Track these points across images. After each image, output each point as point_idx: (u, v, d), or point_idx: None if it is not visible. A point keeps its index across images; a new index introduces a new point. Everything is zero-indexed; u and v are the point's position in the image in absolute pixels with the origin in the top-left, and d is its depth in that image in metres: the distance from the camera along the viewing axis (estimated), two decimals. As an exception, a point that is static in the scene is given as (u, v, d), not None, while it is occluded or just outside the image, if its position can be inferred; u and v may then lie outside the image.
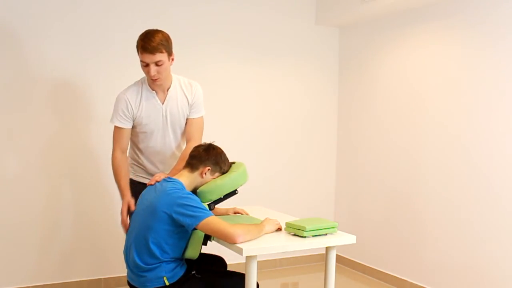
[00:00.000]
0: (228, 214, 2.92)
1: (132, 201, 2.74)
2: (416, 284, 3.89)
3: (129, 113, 2.77)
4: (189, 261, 2.54)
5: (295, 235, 2.50)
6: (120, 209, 2.76)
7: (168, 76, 2.79)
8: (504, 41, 3.24)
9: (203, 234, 2.41)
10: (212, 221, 2.28)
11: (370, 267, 4.36)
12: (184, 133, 2.93)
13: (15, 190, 3.58)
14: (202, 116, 2.95)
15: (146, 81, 2.81)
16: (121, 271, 3.83)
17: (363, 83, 4.45)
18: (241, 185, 2.63)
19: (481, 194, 3.40)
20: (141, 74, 2.81)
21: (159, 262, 2.36)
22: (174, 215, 2.29)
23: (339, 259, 4.60)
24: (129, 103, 2.76)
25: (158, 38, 2.62)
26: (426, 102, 3.80)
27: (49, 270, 3.69)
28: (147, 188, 2.53)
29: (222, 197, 2.61)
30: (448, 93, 3.63)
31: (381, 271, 4.24)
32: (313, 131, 4.68)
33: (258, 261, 2.35)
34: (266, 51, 4.41)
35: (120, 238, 3.67)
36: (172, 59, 2.74)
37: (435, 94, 3.73)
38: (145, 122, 2.80)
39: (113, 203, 3.85)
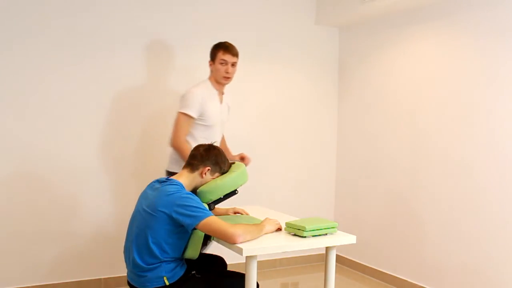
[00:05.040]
0: (228, 214, 2.92)
1: None
2: (416, 284, 3.89)
3: (200, 106, 3.23)
4: (189, 261, 2.54)
5: (295, 235, 2.50)
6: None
7: None
8: (505, 40, 3.24)
9: (203, 234, 2.41)
10: (212, 221, 2.28)
11: (370, 267, 4.36)
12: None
13: (15, 190, 3.58)
14: None
15: (210, 82, 3.35)
16: (121, 271, 3.83)
17: (363, 83, 4.45)
18: (241, 185, 2.63)
19: (481, 194, 3.40)
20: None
21: (159, 262, 2.36)
22: (174, 215, 2.29)
23: (339, 259, 4.60)
24: (203, 97, 3.25)
25: (236, 47, 3.35)
26: (426, 102, 3.80)
27: (49, 270, 3.69)
28: (147, 188, 2.54)
29: (222, 197, 2.62)
30: (448, 92, 3.63)
31: (381, 271, 4.24)
32: (313, 130, 4.68)
33: (258, 261, 2.35)
34: (266, 51, 4.41)
35: (120, 238, 3.67)
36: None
37: (435, 94, 3.72)
38: (208, 115, 3.27)
39: (114, 203, 3.85)
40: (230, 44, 3.33)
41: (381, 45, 4.23)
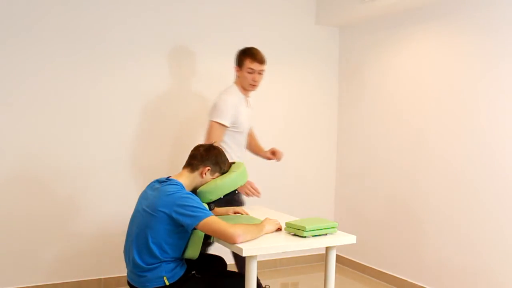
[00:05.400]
0: (228, 214, 2.92)
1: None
2: (416, 284, 3.89)
3: (233, 114, 3.22)
4: (189, 261, 2.54)
5: (295, 235, 2.50)
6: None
7: None
8: (505, 40, 3.24)
9: (203, 234, 2.41)
10: (212, 221, 2.28)
11: (370, 267, 4.36)
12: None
13: (15, 190, 3.58)
14: None
15: (237, 87, 3.34)
16: (121, 271, 3.82)
17: (363, 83, 4.45)
18: (241, 185, 2.63)
19: (481, 194, 3.40)
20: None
21: (159, 262, 2.36)
22: (174, 215, 2.29)
23: (339, 259, 4.60)
24: (235, 105, 3.25)
25: (263, 54, 3.30)
26: (426, 102, 3.80)
27: (49, 269, 3.69)
28: (147, 188, 2.54)
29: (222, 197, 2.62)
30: (448, 92, 3.63)
31: (381, 271, 4.24)
32: (313, 131, 4.68)
33: (258, 261, 2.35)
34: (266, 51, 4.37)
35: (120, 238, 3.66)
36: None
37: (435, 94, 3.72)
38: (241, 121, 3.28)
39: (113, 203, 3.85)
40: (257, 52, 3.29)
41: (381, 45, 4.23)
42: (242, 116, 3.29)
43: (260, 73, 3.29)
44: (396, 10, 3.99)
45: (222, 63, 4.21)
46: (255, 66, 3.25)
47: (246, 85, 3.31)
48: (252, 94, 3.35)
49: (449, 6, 3.61)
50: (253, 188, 3.17)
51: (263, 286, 3.53)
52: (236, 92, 3.32)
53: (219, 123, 3.17)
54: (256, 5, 4.32)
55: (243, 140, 3.38)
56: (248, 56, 3.27)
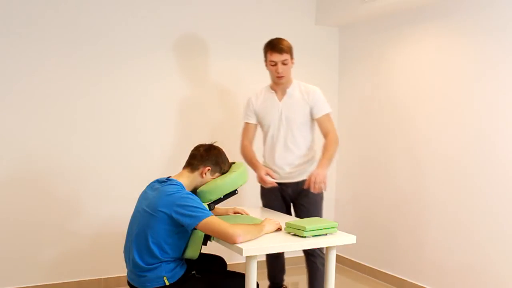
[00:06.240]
0: (228, 214, 2.92)
1: (266, 169, 3.19)
2: (416, 284, 3.89)
3: (252, 109, 3.31)
4: (189, 261, 2.54)
5: (295, 235, 2.50)
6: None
7: (289, 77, 3.27)
8: (505, 40, 3.24)
9: (203, 234, 2.41)
10: (212, 221, 2.28)
11: (370, 267, 4.36)
12: (303, 133, 3.29)
13: (15, 190, 3.58)
14: (328, 113, 3.29)
15: (270, 84, 3.32)
16: (121, 271, 3.82)
17: (363, 82, 4.45)
18: (241, 185, 2.63)
19: (481, 194, 3.40)
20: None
21: (159, 262, 2.36)
22: (174, 215, 2.29)
23: (339, 259, 4.60)
24: (252, 101, 3.33)
25: (285, 42, 3.19)
26: (426, 102, 3.80)
27: (49, 269, 3.69)
28: (147, 188, 2.54)
29: (222, 197, 2.62)
30: (448, 92, 3.63)
31: (381, 271, 4.24)
32: (313, 131, 4.67)
33: (258, 261, 2.35)
34: (266, 51, 4.40)
35: (120, 238, 3.67)
36: (293, 63, 3.23)
37: (435, 93, 3.72)
38: (262, 116, 3.28)
39: (113, 203, 3.85)
40: (277, 42, 3.18)
41: (381, 45, 4.23)
42: (262, 108, 3.27)
43: (284, 63, 3.16)
44: (396, 10, 3.99)
45: (222, 63, 4.21)
46: (275, 57, 3.14)
47: (274, 78, 3.25)
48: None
49: (449, 6, 3.61)
50: (324, 183, 3.05)
51: (283, 286, 3.58)
52: (264, 88, 3.35)
53: (244, 122, 3.36)
54: (256, 5, 4.32)
55: (272, 140, 3.26)
56: (267, 48, 3.21)
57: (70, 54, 3.68)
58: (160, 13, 3.95)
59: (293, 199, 3.33)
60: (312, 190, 3.02)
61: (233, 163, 2.72)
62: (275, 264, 3.55)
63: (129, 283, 2.49)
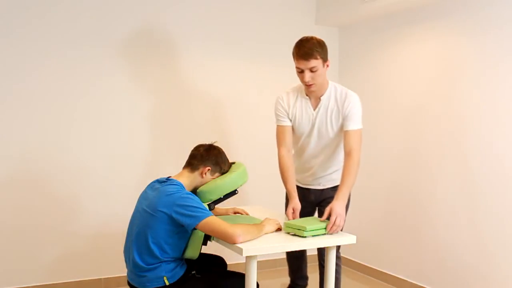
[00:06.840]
0: (228, 214, 2.92)
1: (297, 205, 2.79)
2: (416, 284, 3.89)
3: (283, 110, 2.91)
4: (189, 261, 2.54)
5: (295, 235, 2.49)
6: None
7: (323, 82, 2.82)
8: (505, 40, 3.24)
9: (203, 234, 2.41)
10: (212, 221, 2.28)
11: (370, 267, 4.36)
12: (332, 147, 2.95)
13: (15, 190, 3.58)
14: (358, 129, 2.80)
15: (301, 87, 2.90)
16: (121, 271, 3.82)
17: (363, 82, 4.45)
18: (241, 185, 2.63)
19: (481, 194, 3.40)
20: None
21: (159, 262, 2.36)
22: (174, 215, 2.29)
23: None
24: (283, 101, 2.91)
25: (311, 44, 2.69)
26: (426, 101, 3.80)
27: (49, 269, 3.69)
28: (147, 188, 2.54)
29: (222, 197, 2.62)
30: (448, 91, 3.63)
31: (381, 271, 4.24)
32: (313, 131, 4.67)
33: (258, 261, 2.35)
34: (265, 51, 4.40)
35: (120, 238, 3.67)
36: (327, 65, 2.76)
37: (435, 93, 3.72)
38: (297, 124, 2.91)
39: (114, 203, 3.85)
40: (302, 45, 2.71)
41: (381, 45, 4.23)
42: (298, 114, 2.89)
43: (312, 70, 2.68)
44: (396, 10, 3.99)
45: (221, 63, 4.21)
46: (301, 64, 2.69)
47: (304, 87, 2.84)
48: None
49: (449, 6, 3.61)
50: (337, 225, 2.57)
51: None
52: (297, 89, 2.93)
53: (277, 125, 2.96)
54: (255, 5, 4.32)
55: (301, 148, 2.98)
56: (293, 51, 2.76)
57: (70, 54, 3.68)
58: (160, 13, 3.95)
59: (316, 205, 3.17)
60: (328, 230, 2.53)
61: (233, 163, 2.72)
62: (297, 263, 3.39)
63: (129, 283, 2.49)
